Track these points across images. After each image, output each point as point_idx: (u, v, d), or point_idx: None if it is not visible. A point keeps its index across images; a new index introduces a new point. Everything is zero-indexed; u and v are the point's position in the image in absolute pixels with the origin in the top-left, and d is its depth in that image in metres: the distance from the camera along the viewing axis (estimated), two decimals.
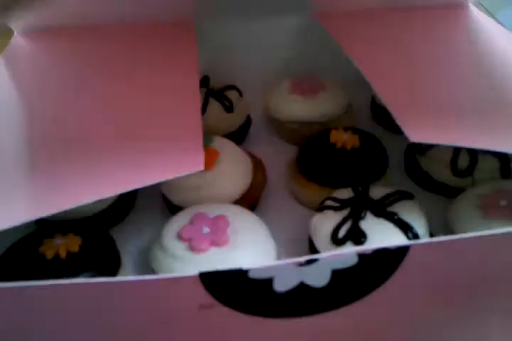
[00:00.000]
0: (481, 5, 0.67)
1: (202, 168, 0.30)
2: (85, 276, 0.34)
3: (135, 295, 0.27)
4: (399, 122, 0.34)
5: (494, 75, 0.42)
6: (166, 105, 0.37)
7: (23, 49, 0.46)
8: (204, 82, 0.57)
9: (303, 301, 0.28)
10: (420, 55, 0.45)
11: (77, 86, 0.40)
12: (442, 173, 0.47)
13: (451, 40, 0.48)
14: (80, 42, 0.47)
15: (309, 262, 0.26)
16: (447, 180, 0.47)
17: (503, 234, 0.26)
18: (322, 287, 0.28)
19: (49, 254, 0.35)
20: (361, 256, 0.27)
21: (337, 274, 0.27)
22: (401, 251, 0.27)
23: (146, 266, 0.40)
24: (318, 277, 0.27)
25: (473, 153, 0.45)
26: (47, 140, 0.35)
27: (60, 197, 0.29)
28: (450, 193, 0.46)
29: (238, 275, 0.26)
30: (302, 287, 0.27)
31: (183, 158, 0.31)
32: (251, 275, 0.26)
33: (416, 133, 0.32)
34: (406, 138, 0.53)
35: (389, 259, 0.27)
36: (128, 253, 0.42)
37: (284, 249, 0.43)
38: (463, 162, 0.45)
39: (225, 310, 0.27)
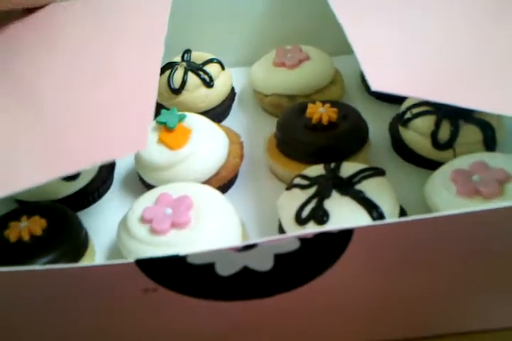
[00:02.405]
0: None
1: (144, 147, 0.28)
2: (45, 261, 0.34)
3: (80, 282, 0.27)
4: (364, 69, 0.30)
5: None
6: (120, 74, 0.35)
7: None
8: (185, 55, 0.56)
9: (248, 285, 0.28)
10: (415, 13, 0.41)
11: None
12: (423, 146, 0.45)
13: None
14: None
15: (247, 248, 0.26)
16: (428, 153, 0.45)
17: (445, 217, 0.25)
18: (266, 271, 0.27)
19: (12, 237, 0.35)
20: (303, 240, 0.26)
21: (280, 258, 0.27)
22: (345, 235, 0.26)
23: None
24: (261, 261, 0.27)
25: (455, 125, 0.43)
26: None
27: None
28: (433, 167, 0.45)
29: (176, 262, 0.26)
30: (246, 271, 0.27)
31: (127, 135, 0.29)
32: (190, 260, 0.26)
33: (380, 82, 0.29)
34: (395, 108, 0.52)
35: (333, 243, 0.26)
36: (100, 235, 0.43)
37: (258, 227, 0.43)
38: (444, 134, 0.44)
39: (169, 293, 0.27)
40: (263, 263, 0.27)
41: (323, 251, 0.27)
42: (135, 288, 0.27)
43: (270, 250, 0.26)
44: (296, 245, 0.26)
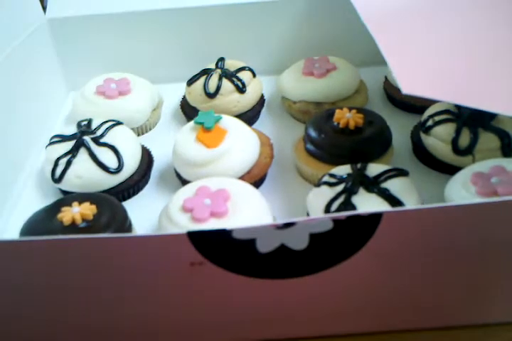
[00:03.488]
0: None
1: None
2: None
3: (132, 251, 0.30)
4: (395, 73, 0.33)
5: None
6: None
7: None
8: (219, 63, 0.60)
9: (285, 263, 0.31)
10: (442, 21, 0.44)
11: None
12: (444, 151, 0.48)
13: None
14: None
15: (287, 225, 0.29)
16: (448, 159, 0.48)
17: (462, 206, 0.27)
18: (302, 249, 0.30)
19: (66, 221, 0.39)
20: (336, 221, 0.29)
21: (315, 238, 0.30)
22: (374, 218, 0.29)
23: None
24: (297, 240, 0.30)
25: (475, 133, 0.46)
26: None
27: None
28: (452, 171, 0.47)
29: (223, 235, 0.29)
30: (283, 248, 0.30)
31: None
32: (234, 235, 0.29)
33: (410, 86, 0.32)
34: (416, 117, 0.55)
35: (363, 226, 0.29)
36: (140, 224, 0.46)
37: None
38: (464, 141, 0.46)
39: (212, 267, 0.30)
40: (299, 242, 0.30)
41: (354, 232, 0.30)
42: (184, 260, 0.30)
43: (306, 229, 0.29)
44: (329, 226, 0.29)
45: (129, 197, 0.51)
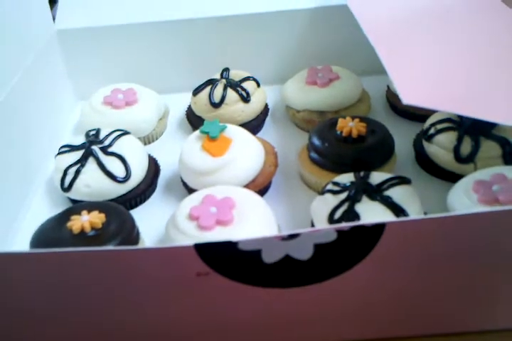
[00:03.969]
0: None
1: None
2: None
3: (139, 263, 0.31)
4: (395, 84, 0.33)
5: None
6: None
7: None
8: (224, 73, 0.61)
9: (290, 273, 0.32)
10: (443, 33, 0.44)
11: None
12: (446, 159, 0.48)
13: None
14: None
15: (292, 237, 0.29)
16: (450, 166, 0.48)
17: (464, 215, 0.28)
18: (307, 260, 0.31)
19: (75, 229, 0.40)
20: (340, 232, 0.30)
21: (319, 248, 0.30)
22: (377, 229, 0.30)
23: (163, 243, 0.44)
24: (302, 250, 0.30)
25: (476, 141, 0.47)
26: None
27: None
28: (454, 179, 0.48)
29: (229, 247, 0.29)
30: (288, 259, 0.31)
31: None
32: (240, 246, 0.30)
33: (410, 96, 0.32)
34: (418, 126, 0.56)
35: (367, 236, 0.30)
36: (147, 232, 0.47)
37: (290, 229, 0.47)
38: (465, 149, 0.47)
39: (218, 277, 0.31)
40: (304, 252, 0.30)
41: (357, 243, 0.30)
42: (190, 271, 0.31)
43: (311, 240, 0.30)
44: (333, 236, 0.30)
45: (136, 205, 0.51)
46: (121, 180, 0.49)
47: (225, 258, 0.30)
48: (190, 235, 0.40)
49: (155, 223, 0.48)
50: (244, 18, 0.63)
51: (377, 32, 0.42)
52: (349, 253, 0.31)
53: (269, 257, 0.31)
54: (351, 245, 0.31)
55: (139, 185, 0.51)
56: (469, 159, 0.47)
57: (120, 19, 0.64)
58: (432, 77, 0.36)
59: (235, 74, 0.61)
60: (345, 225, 0.29)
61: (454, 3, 0.48)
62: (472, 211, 0.29)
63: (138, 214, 0.47)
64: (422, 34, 0.43)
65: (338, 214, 0.40)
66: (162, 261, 0.31)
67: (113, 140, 0.51)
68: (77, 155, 0.50)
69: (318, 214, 0.42)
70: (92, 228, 0.40)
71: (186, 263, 0.30)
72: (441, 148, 0.49)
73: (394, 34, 0.43)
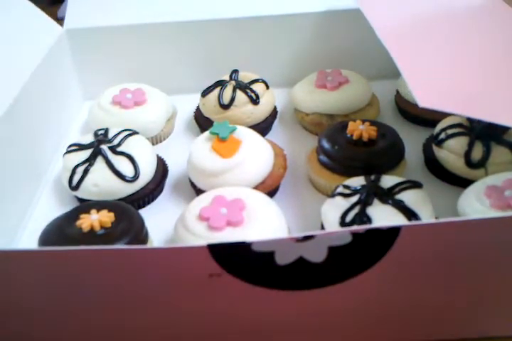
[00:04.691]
0: None
1: None
2: None
3: (151, 262, 0.30)
4: (411, 86, 0.33)
5: None
6: None
7: None
8: (233, 75, 0.60)
9: (303, 275, 0.31)
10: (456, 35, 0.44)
11: None
12: (456, 164, 0.48)
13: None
14: None
15: (306, 238, 0.29)
16: (461, 172, 0.48)
17: (480, 220, 0.28)
18: (320, 262, 0.31)
19: (85, 227, 0.39)
20: (355, 234, 0.29)
21: (333, 251, 0.30)
22: (392, 232, 0.29)
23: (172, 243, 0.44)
24: (316, 252, 0.30)
25: (487, 146, 0.47)
26: None
27: None
28: (465, 184, 0.48)
29: (243, 248, 0.29)
30: (301, 261, 0.30)
31: None
32: (254, 248, 0.29)
33: (426, 99, 0.32)
34: (427, 131, 0.55)
35: (381, 239, 0.30)
36: (155, 232, 0.46)
37: (299, 231, 0.47)
38: (476, 154, 0.47)
39: (230, 278, 0.31)
40: (317, 255, 0.30)
41: (372, 246, 0.30)
42: (203, 271, 0.30)
43: (325, 242, 0.30)
44: (348, 239, 0.29)
45: (144, 205, 0.51)
46: (129, 179, 0.48)
47: (238, 259, 0.30)
48: (201, 236, 0.39)
49: (162, 223, 0.47)
50: (254, 20, 0.63)
51: (390, 35, 0.42)
52: (363, 256, 0.31)
53: (283, 259, 0.30)
54: (366, 248, 0.30)
55: (147, 185, 0.50)
56: (480, 164, 0.47)
57: (129, 19, 0.64)
58: (447, 80, 0.36)
59: (244, 76, 0.60)
60: (360, 228, 0.29)
61: (465, 6, 0.48)
62: (488, 216, 0.29)
63: (145, 214, 0.47)
64: (435, 37, 0.43)
65: (349, 217, 0.40)
66: (174, 261, 0.30)
67: (122, 139, 0.51)
68: (86, 154, 0.50)
69: (329, 217, 0.41)
70: (102, 227, 0.40)
71: (199, 263, 0.30)
72: (451, 153, 0.49)
73: (407, 37, 0.43)
